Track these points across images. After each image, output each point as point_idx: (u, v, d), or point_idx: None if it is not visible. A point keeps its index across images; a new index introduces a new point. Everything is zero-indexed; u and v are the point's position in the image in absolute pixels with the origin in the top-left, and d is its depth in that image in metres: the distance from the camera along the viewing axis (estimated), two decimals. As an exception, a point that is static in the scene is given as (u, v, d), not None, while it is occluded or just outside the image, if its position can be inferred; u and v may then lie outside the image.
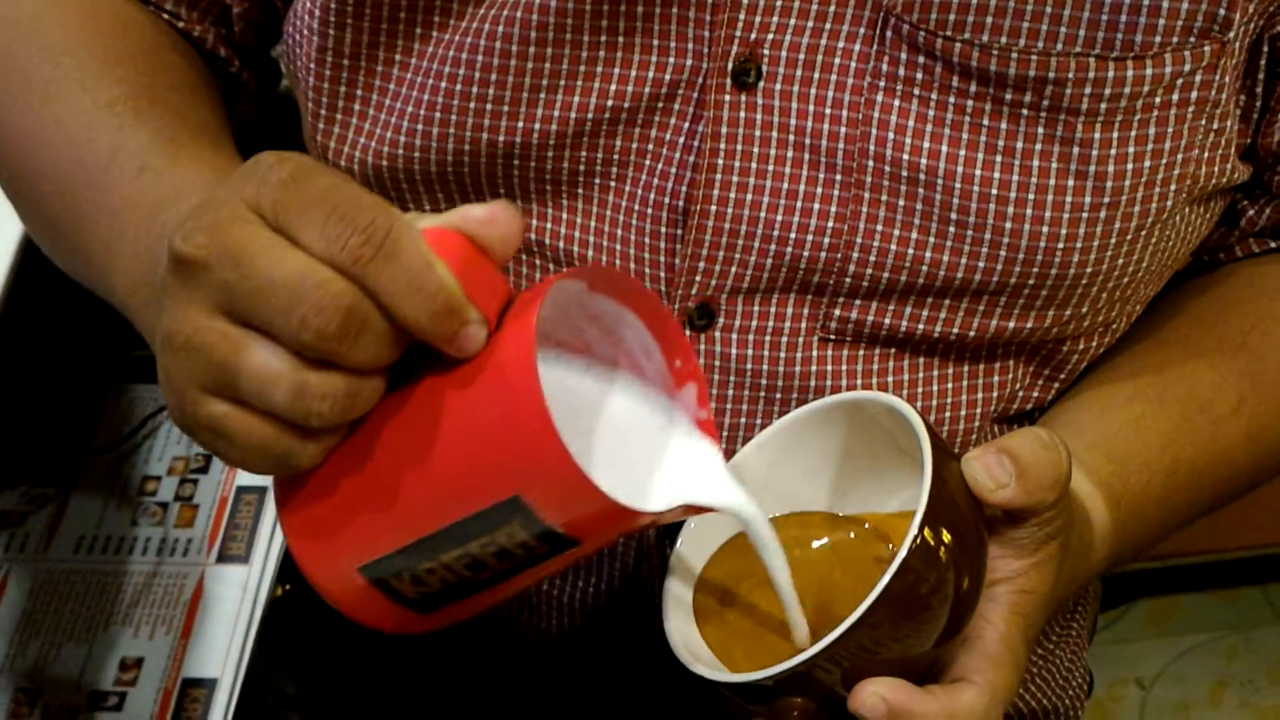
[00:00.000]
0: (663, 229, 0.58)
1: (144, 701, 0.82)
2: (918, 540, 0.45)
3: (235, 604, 0.88)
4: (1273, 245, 0.65)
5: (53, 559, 0.89)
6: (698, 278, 0.58)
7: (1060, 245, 0.55)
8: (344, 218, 0.39)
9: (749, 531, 0.48)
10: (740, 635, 0.51)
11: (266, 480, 0.94)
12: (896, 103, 0.54)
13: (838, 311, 0.58)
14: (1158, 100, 0.53)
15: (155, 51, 0.63)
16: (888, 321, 0.58)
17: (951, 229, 0.55)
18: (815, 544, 0.53)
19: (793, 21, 0.54)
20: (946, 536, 0.45)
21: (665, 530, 0.63)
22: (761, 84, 0.55)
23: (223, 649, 0.85)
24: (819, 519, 0.53)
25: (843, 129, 0.55)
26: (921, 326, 0.58)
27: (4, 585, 0.88)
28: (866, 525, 0.53)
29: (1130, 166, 0.54)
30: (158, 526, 0.91)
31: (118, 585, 0.88)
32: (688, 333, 0.59)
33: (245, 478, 0.95)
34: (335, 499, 0.44)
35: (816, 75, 0.55)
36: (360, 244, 0.39)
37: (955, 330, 0.58)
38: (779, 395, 0.59)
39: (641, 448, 0.49)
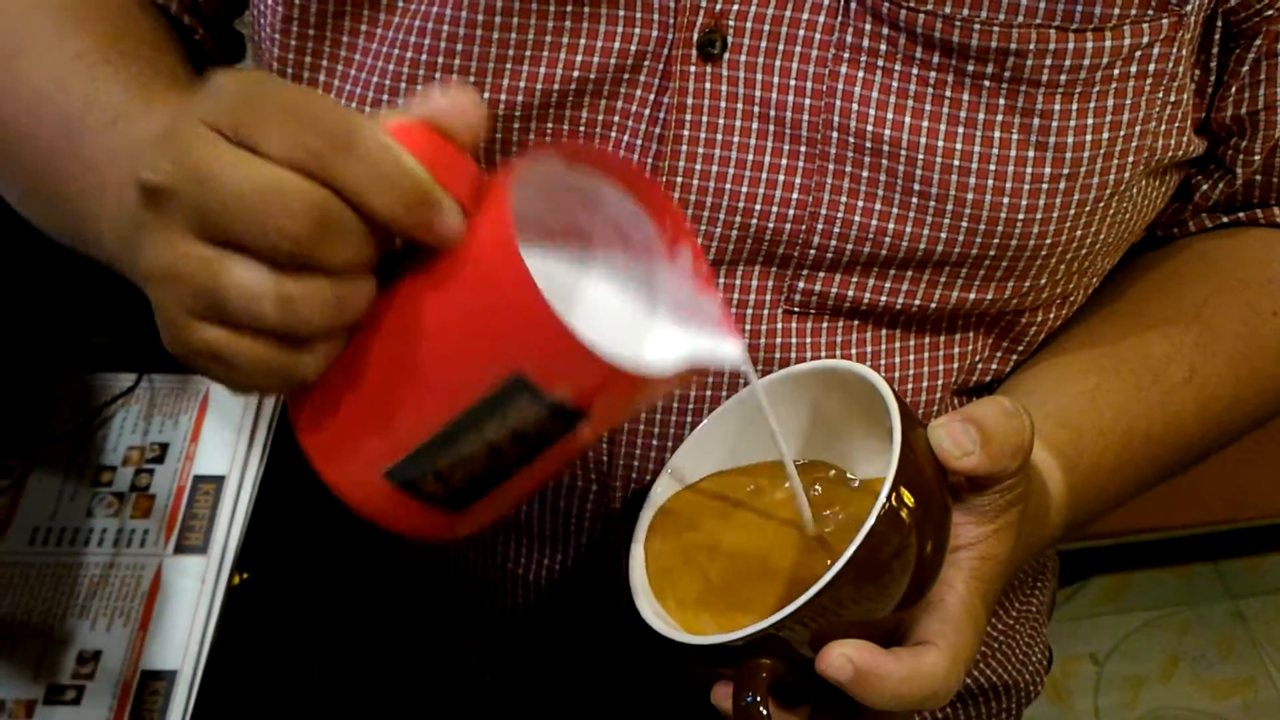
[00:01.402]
0: None
1: (103, 694, 0.81)
2: (886, 506, 0.45)
3: (194, 595, 0.87)
4: (1225, 220, 0.66)
5: (6, 551, 0.88)
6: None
7: (1020, 216, 0.55)
8: (301, 120, 0.39)
9: (753, 393, 0.49)
10: (697, 602, 0.51)
11: (224, 469, 0.94)
12: (860, 74, 0.54)
13: (802, 284, 0.58)
14: (1116, 72, 0.54)
15: (122, 10, 0.62)
16: (851, 293, 0.58)
17: (914, 200, 0.55)
18: (786, 484, 0.53)
19: None
20: (913, 503, 0.46)
21: (628, 505, 0.63)
22: (726, 55, 0.55)
23: (182, 641, 0.84)
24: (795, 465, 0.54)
25: (807, 100, 0.55)
26: (884, 298, 0.58)
27: (-43, 579, 0.86)
28: (838, 473, 0.53)
29: (1089, 138, 0.55)
30: (114, 517, 0.90)
31: (74, 577, 0.87)
32: None
33: (202, 467, 0.94)
34: (348, 408, 0.44)
35: (781, 46, 0.55)
36: (320, 143, 0.39)
37: (917, 302, 0.58)
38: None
39: (641, 314, 0.49)
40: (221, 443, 0.95)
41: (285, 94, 0.40)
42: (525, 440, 0.44)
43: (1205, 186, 0.64)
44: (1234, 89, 0.59)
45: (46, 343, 0.99)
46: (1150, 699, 1.74)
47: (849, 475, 0.53)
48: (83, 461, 0.93)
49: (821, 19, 0.54)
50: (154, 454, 0.94)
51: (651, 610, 0.50)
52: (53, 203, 0.58)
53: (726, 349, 0.47)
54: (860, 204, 0.56)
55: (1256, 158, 0.61)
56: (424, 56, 0.55)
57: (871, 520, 0.45)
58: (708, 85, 0.55)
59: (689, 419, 0.60)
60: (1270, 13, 0.55)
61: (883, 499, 0.45)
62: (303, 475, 0.48)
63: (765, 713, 0.46)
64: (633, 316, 0.48)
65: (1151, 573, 1.86)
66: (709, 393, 0.60)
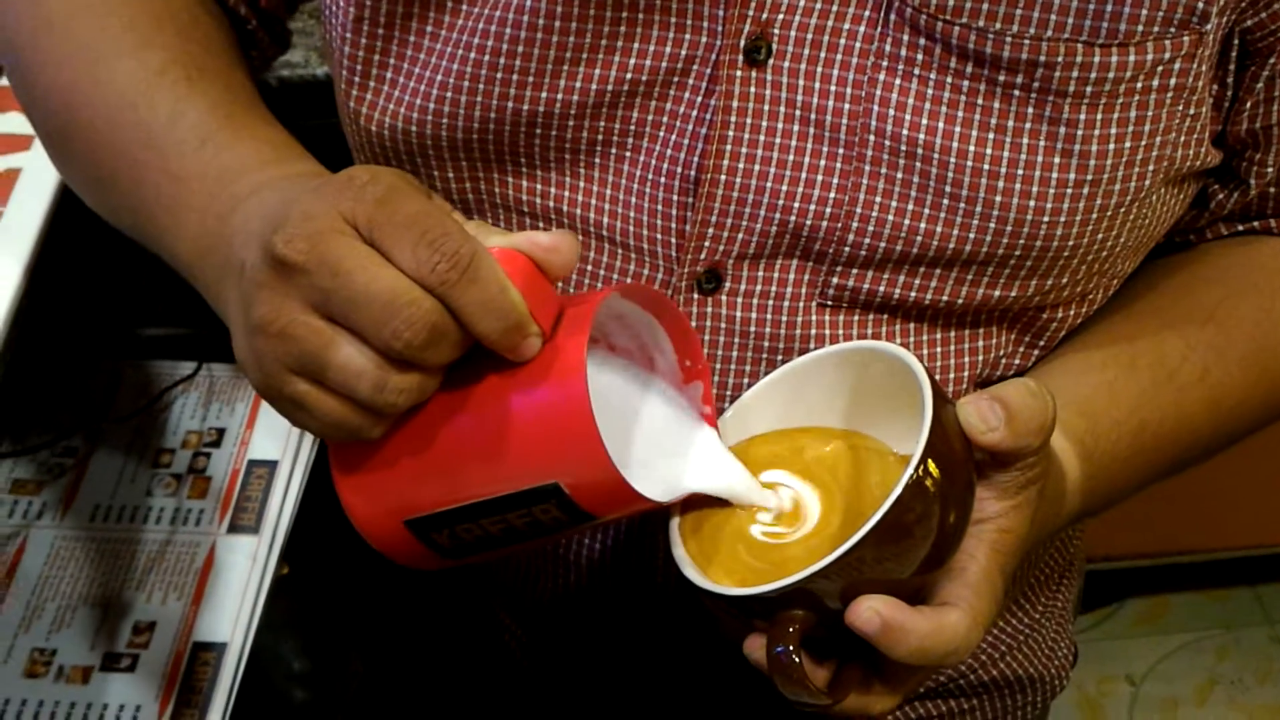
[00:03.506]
0: (675, 197, 0.60)
1: (156, 663, 0.84)
2: (914, 475, 0.48)
3: (245, 572, 0.90)
4: (1240, 229, 0.68)
5: (69, 526, 0.91)
6: (706, 243, 0.60)
7: (1045, 219, 0.57)
8: (433, 243, 0.45)
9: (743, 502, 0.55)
10: (733, 558, 0.54)
11: (277, 454, 0.97)
12: (898, 82, 0.57)
13: (836, 279, 0.60)
14: (1139, 85, 0.56)
15: (188, 13, 0.66)
16: (882, 289, 0.60)
17: (945, 201, 0.57)
18: (829, 448, 0.56)
19: (802, 3, 0.57)
20: (939, 474, 0.48)
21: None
22: (771, 61, 0.57)
23: (232, 615, 0.87)
24: (836, 433, 0.57)
25: (846, 105, 0.57)
26: (914, 294, 0.60)
27: (22, 550, 0.90)
28: (876, 444, 0.56)
29: (1112, 147, 0.57)
30: (171, 497, 0.93)
31: (132, 552, 0.90)
32: (695, 296, 0.61)
33: (256, 452, 0.97)
34: (391, 463, 0.50)
35: (823, 55, 0.57)
36: (447, 269, 0.45)
37: (945, 298, 0.60)
38: (780, 358, 0.62)
39: (654, 436, 0.55)
40: (275, 430, 0.98)
41: (416, 207, 0.46)
42: (540, 528, 0.50)
43: (1221, 196, 0.66)
44: (1249, 104, 0.61)
45: (112, 331, 1.02)
46: (1185, 722, 1.74)
47: (884, 445, 0.55)
48: (143, 444, 0.97)
49: (862, 29, 0.57)
50: (211, 438, 0.97)
51: (690, 565, 0.52)
52: (127, 205, 0.61)
53: (731, 487, 0.54)
54: (894, 205, 0.58)
55: (1270, 170, 0.63)
56: (486, 57, 0.58)
57: (900, 488, 0.47)
58: (753, 90, 0.58)
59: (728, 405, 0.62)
60: None
61: (911, 468, 0.48)
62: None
63: (797, 660, 0.49)
64: (650, 436, 0.55)
65: (1189, 595, 1.86)
66: (746, 380, 0.62)
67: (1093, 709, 1.74)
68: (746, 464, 0.56)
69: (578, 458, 0.47)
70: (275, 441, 0.97)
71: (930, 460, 0.48)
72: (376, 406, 0.47)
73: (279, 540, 0.92)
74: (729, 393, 0.63)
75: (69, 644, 0.85)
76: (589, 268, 0.63)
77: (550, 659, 0.80)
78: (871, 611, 0.48)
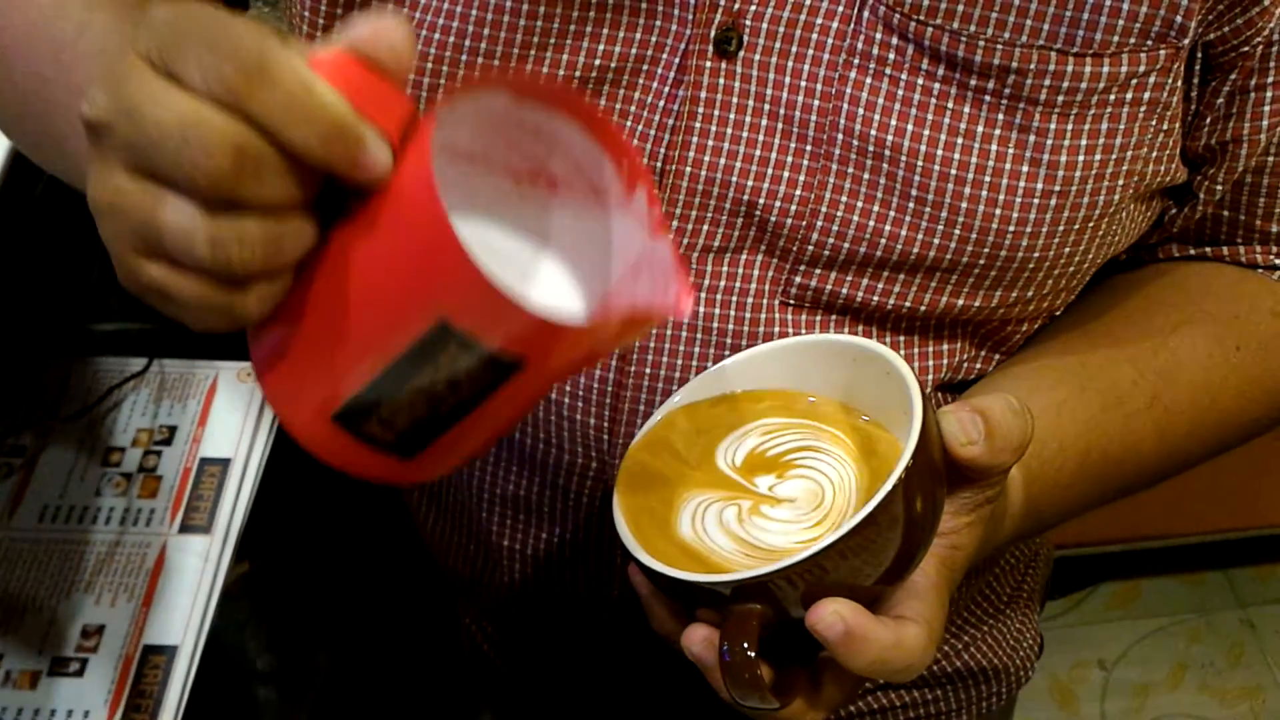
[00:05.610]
0: None
1: (105, 667, 0.82)
2: (897, 482, 0.46)
3: (197, 573, 0.88)
4: (1192, 253, 0.67)
5: (16, 528, 0.89)
6: (670, 235, 0.58)
7: (1011, 228, 0.56)
8: (215, 49, 0.37)
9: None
10: (669, 538, 0.52)
11: (229, 452, 0.95)
12: (868, 80, 0.56)
13: (799, 278, 0.59)
14: (1112, 97, 0.55)
15: None
16: (845, 291, 0.59)
17: (911, 205, 0.56)
18: (834, 413, 0.55)
19: None
20: (919, 483, 0.47)
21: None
22: (741, 53, 0.56)
23: (184, 617, 0.85)
24: (838, 403, 0.55)
25: (816, 102, 0.56)
26: (876, 298, 0.59)
27: (-34, 553, 0.88)
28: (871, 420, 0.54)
29: (1082, 159, 0.56)
30: (121, 497, 0.91)
31: (81, 554, 0.88)
32: None
33: (208, 450, 0.95)
34: (294, 351, 0.43)
35: (794, 49, 0.56)
36: (233, 72, 0.37)
37: (908, 304, 0.59)
38: (741, 354, 0.61)
39: (595, 261, 0.47)
40: (228, 427, 0.96)
41: (207, 21, 0.38)
42: (461, 388, 0.42)
43: (1173, 211, 0.65)
44: (1208, 119, 0.59)
45: (59, 327, 1.00)
46: (1157, 706, 1.74)
47: (879, 422, 0.54)
48: (93, 442, 0.94)
49: (835, 25, 0.55)
50: (162, 436, 0.95)
51: (636, 545, 0.50)
52: (43, 135, 0.57)
53: (676, 298, 0.45)
54: (860, 205, 0.57)
55: (1219, 187, 0.62)
56: (451, 39, 0.57)
57: (880, 495, 0.46)
58: (721, 81, 0.57)
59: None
60: (1246, 49, 0.56)
61: (894, 478, 0.46)
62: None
63: (753, 656, 0.46)
64: (583, 261, 0.47)
65: (1161, 580, 1.86)
66: (708, 365, 0.60)
67: (1065, 694, 1.74)
68: (676, 443, 0.53)
69: (446, 275, 0.39)
70: (228, 439, 0.96)
71: (912, 470, 0.47)
72: (222, 268, 0.38)
73: (231, 540, 0.90)
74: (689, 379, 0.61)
75: (16, 648, 0.83)
76: None
77: (518, 652, 0.79)
78: (835, 616, 0.46)
